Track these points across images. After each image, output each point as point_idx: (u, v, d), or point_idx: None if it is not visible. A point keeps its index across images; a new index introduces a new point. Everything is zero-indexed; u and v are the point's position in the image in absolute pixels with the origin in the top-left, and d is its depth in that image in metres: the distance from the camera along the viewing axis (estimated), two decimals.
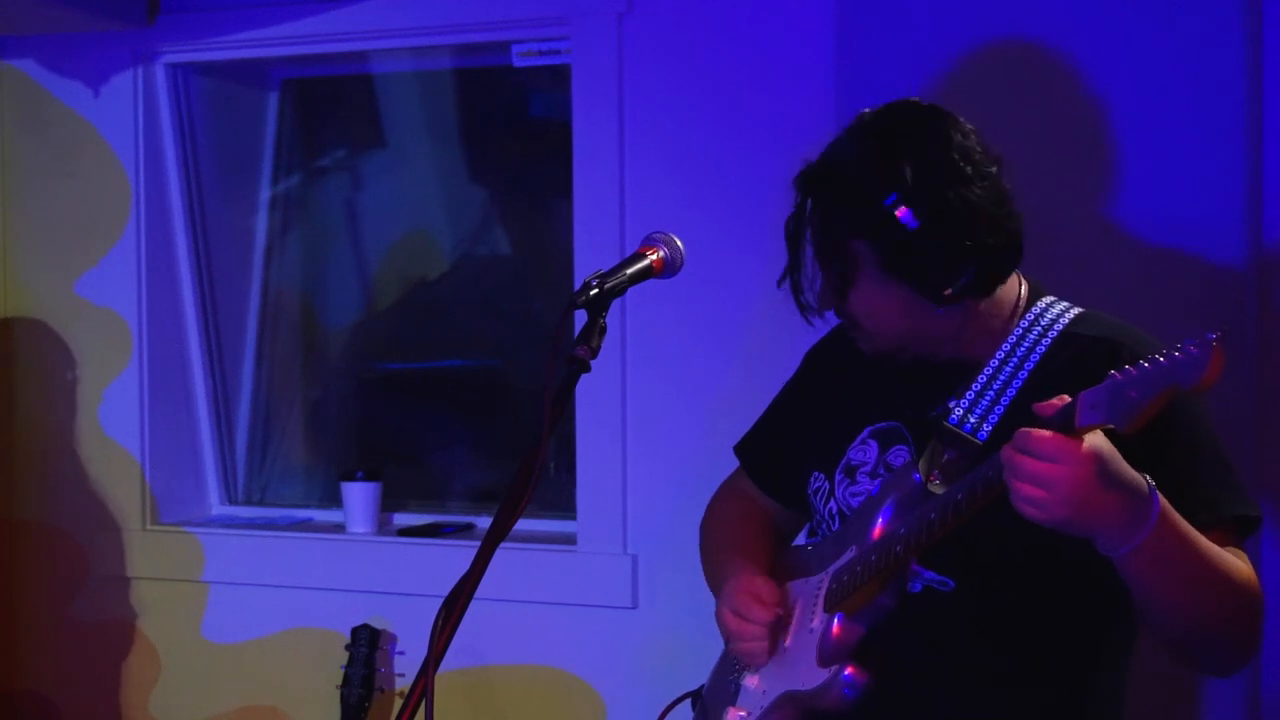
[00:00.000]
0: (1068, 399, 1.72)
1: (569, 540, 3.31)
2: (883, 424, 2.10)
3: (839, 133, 2.07)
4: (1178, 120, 2.71)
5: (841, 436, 2.13)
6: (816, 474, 2.16)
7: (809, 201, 2.01)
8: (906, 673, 1.97)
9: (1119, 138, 2.75)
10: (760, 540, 2.28)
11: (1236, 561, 1.89)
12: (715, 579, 2.26)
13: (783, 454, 2.28)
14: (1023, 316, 2.04)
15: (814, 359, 2.33)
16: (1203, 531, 1.84)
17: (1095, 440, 1.70)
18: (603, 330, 1.83)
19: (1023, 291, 2.06)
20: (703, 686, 2.30)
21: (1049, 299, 2.08)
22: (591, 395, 3.19)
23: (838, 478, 2.12)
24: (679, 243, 1.96)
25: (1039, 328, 2.03)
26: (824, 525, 2.15)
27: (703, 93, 3.11)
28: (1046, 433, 1.70)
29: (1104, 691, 2.05)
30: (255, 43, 3.55)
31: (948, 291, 1.95)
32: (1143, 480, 1.74)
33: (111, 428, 3.68)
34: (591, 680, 3.27)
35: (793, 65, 3.03)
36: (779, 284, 2.08)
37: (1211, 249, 2.68)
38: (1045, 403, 1.74)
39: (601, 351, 1.83)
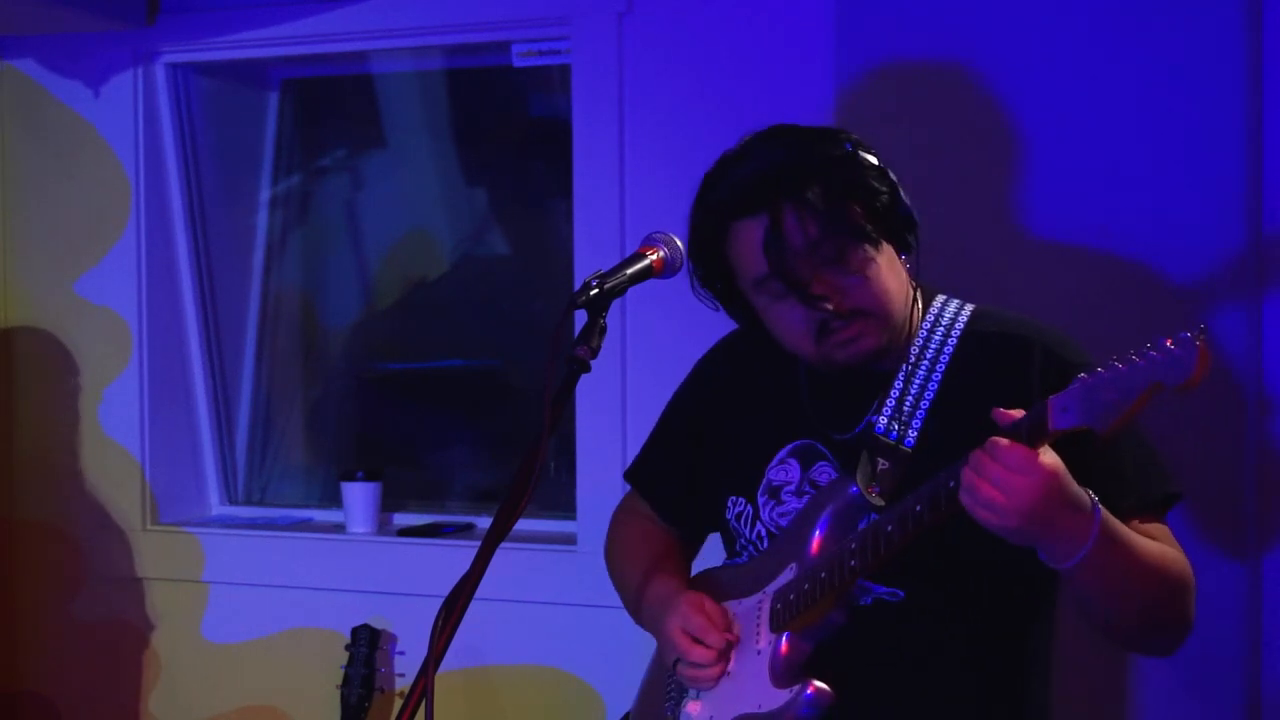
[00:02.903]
0: (1021, 413, 1.73)
1: (569, 540, 3.31)
2: (798, 442, 2.08)
3: (732, 154, 2.04)
4: (1178, 119, 2.71)
5: (756, 458, 2.11)
6: (735, 498, 2.14)
7: (793, 198, 1.93)
8: (860, 685, 1.96)
9: (1120, 137, 2.75)
10: (677, 561, 2.26)
11: (1169, 551, 1.92)
12: (641, 599, 2.21)
13: (683, 481, 2.25)
14: (923, 319, 2.05)
15: (703, 378, 2.29)
16: (1131, 515, 1.88)
17: (1051, 457, 1.72)
18: (603, 330, 1.84)
19: (917, 295, 2.05)
20: (628, 715, 2.27)
21: (941, 298, 2.09)
22: (591, 395, 3.19)
23: (761, 500, 2.10)
24: (679, 243, 1.97)
25: (941, 328, 2.04)
26: (749, 548, 2.12)
27: (703, 93, 3.11)
28: (1013, 443, 1.71)
29: (1039, 681, 2.07)
30: (255, 43, 3.55)
31: (910, 239, 2.00)
32: (1087, 497, 1.76)
33: (111, 428, 3.68)
34: (591, 680, 3.27)
35: (793, 65, 3.03)
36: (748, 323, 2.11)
37: (1211, 249, 2.68)
38: (1006, 411, 1.74)
39: (601, 351, 1.83)
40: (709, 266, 2.06)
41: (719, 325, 3.11)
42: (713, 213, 2.01)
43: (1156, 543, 1.90)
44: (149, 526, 3.67)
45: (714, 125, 3.10)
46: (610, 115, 3.18)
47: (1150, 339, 1.60)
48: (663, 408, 3.15)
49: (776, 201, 1.93)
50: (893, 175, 2.00)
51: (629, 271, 1.89)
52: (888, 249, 1.98)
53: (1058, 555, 1.77)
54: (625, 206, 3.18)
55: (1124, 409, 1.61)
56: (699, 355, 3.12)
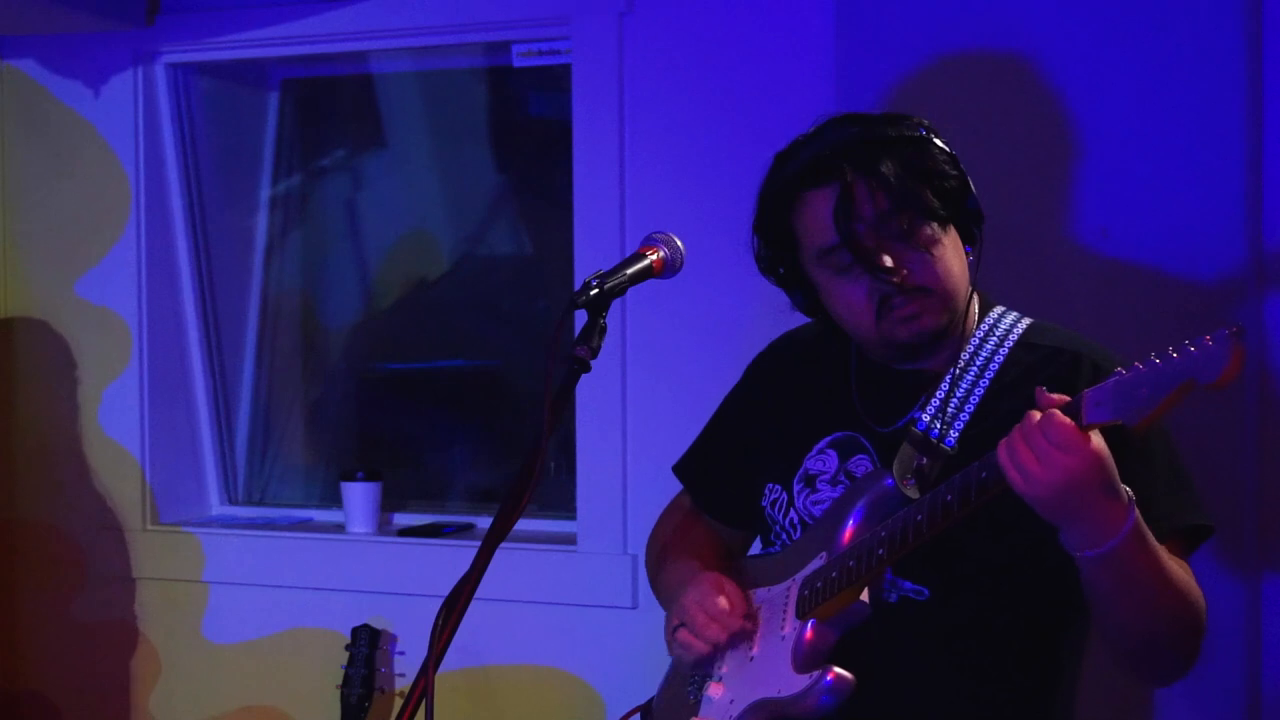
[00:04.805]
0: (1066, 398, 1.73)
1: (569, 540, 3.31)
2: (840, 434, 2.10)
3: (807, 134, 2.07)
4: (1178, 119, 2.71)
5: (797, 447, 2.13)
6: (772, 485, 2.16)
7: (865, 170, 1.96)
8: (880, 681, 1.96)
9: (1118, 140, 2.75)
10: (711, 547, 2.28)
11: (1189, 579, 1.91)
12: (668, 583, 2.23)
13: (728, 474, 2.28)
14: (978, 326, 2.06)
15: (756, 374, 2.32)
16: (1159, 540, 1.86)
17: (1099, 443, 1.72)
18: (603, 330, 1.84)
19: (974, 302, 2.07)
20: (651, 700, 2.28)
21: (999, 309, 2.11)
22: (591, 395, 3.19)
23: (796, 487, 2.12)
24: (679, 243, 1.96)
25: (995, 337, 2.05)
26: (784, 535, 2.14)
27: (703, 93, 3.11)
28: (1067, 419, 1.70)
29: (1065, 695, 2.07)
30: (255, 43, 3.55)
31: (975, 231, 2.03)
32: (1125, 493, 1.76)
33: (111, 428, 3.68)
34: (591, 680, 3.27)
35: (793, 65, 3.03)
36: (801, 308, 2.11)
37: (1212, 254, 2.68)
38: (1049, 394, 1.75)
39: (601, 351, 1.83)
40: (775, 240, 2.09)
41: (719, 326, 3.13)
42: (784, 183, 2.04)
43: (1181, 569, 1.90)
44: (149, 526, 3.67)
45: (714, 125, 3.11)
46: (610, 115, 3.18)
47: (1186, 337, 1.60)
48: (662, 407, 3.17)
49: (849, 172, 1.97)
50: (962, 165, 2.03)
51: (629, 271, 1.89)
52: (954, 234, 2.02)
53: (1083, 541, 1.76)
54: (625, 206, 3.18)
55: (1156, 404, 1.62)
56: (699, 355, 3.15)
